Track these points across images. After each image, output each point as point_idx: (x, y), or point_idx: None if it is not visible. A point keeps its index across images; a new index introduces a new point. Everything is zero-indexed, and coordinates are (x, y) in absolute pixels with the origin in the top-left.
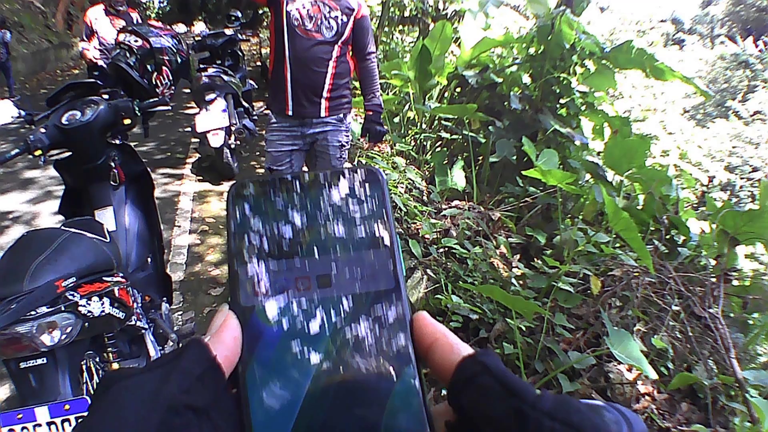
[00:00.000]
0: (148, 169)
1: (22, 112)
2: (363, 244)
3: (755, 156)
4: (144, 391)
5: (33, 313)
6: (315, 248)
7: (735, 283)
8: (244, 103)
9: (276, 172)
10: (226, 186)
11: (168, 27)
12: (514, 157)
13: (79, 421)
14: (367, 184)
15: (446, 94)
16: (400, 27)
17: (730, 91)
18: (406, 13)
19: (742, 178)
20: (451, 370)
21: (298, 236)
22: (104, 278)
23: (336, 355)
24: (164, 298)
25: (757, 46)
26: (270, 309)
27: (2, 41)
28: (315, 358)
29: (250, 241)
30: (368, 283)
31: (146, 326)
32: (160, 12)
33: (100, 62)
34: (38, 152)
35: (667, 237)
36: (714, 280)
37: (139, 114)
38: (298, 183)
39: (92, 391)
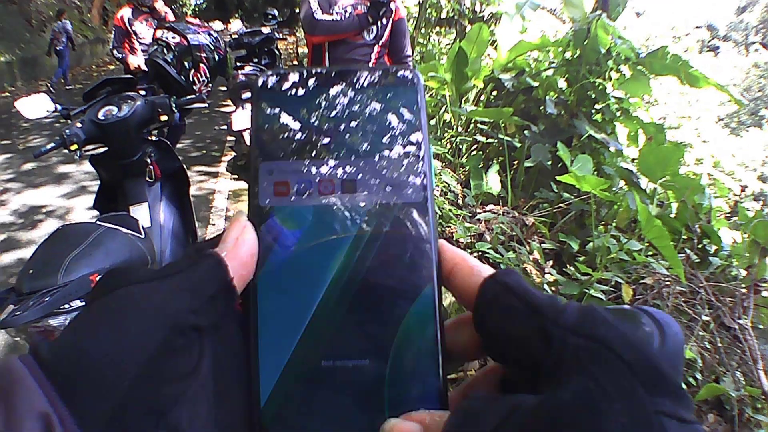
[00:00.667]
0: (184, 166)
1: (58, 107)
2: (393, 151)
3: None
4: (149, 303)
5: (66, 306)
6: (342, 150)
7: (765, 294)
8: None
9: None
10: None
11: (205, 24)
12: (549, 162)
13: (77, 316)
14: (403, 87)
15: (482, 97)
16: (437, 29)
17: (764, 100)
18: (443, 15)
19: None
20: (474, 294)
21: (324, 136)
22: None
23: (354, 267)
24: None
25: None
26: (288, 212)
27: (63, 29)
28: (331, 268)
29: (273, 137)
30: (395, 194)
31: None
32: (197, 9)
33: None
34: (74, 147)
35: (699, 246)
36: (744, 290)
37: (175, 111)
38: (329, 78)
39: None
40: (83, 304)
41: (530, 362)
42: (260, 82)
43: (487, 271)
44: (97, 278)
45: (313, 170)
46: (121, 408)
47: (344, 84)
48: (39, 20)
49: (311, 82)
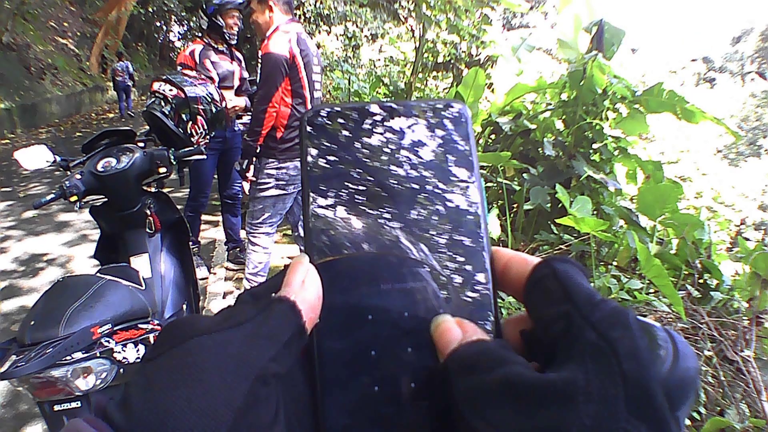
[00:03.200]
0: (184, 217)
1: (58, 158)
2: (447, 187)
3: None
4: (228, 355)
5: (69, 358)
6: (396, 191)
7: None
8: None
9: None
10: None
11: (203, 76)
12: (549, 205)
13: (144, 370)
14: (450, 119)
15: (481, 141)
16: (434, 73)
17: (762, 129)
18: (440, 59)
19: None
20: (525, 280)
21: (378, 177)
22: (140, 325)
23: (413, 309)
24: None
25: None
26: (348, 258)
27: (126, 70)
28: (391, 312)
29: (328, 179)
30: (451, 234)
31: None
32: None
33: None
34: (74, 198)
35: (700, 281)
36: (746, 323)
37: (174, 163)
38: (372, 113)
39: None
40: (85, 355)
41: (551, 343)
42: (307, 119)
43: (538, 260)
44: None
45: (369, 211)
46: None
47: (393, 119)
48: (38, 68)
49: (359, 117)
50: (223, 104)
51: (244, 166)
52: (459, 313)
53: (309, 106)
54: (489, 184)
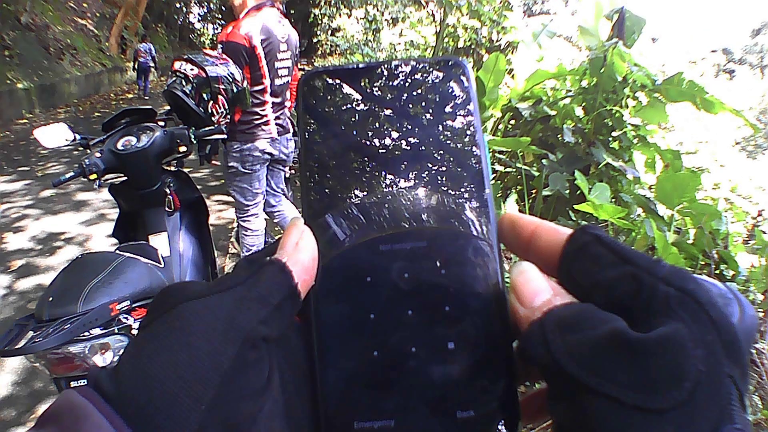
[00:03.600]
0: (203, 196)
1: (77, 136)
2: (448, 146)
3: None
4: (217, 318)
5: (87, 334)
6: (394, 151)
7: None
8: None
9: (350, 62)
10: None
11: (224, 56)
12: (567, 191)
13: (136, 338)
14: (450, 77)
15: (500, 126)
16: None
17: None
18: (460, 44)
19: None
20: (559, 249)
21: (376, 136)
22: None
23: (413, 270)
24: None
25: None
26: (344, 215)
27: (149, 51)
28: (389, 271)
29: (323, 138)
30: (453, 192)
31: None
32: (214, 39)
33: None
34: (93, 176)
35: (717, 271)
36: (762, 314)
37: (194, 142)
38: (374, 74)
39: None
40: (103, 332)
41: (617, 307)
42: (304, 81)
43: (569, 230)
44: (134, 306)
45: (367, 171)
46: None
47: (391, 79)
48: (57, 48)
49: (356, 77)
50: (244, 84)
51: (207, 151)
52: (462, 270)
53: (268, 92)
54: (508, 170)
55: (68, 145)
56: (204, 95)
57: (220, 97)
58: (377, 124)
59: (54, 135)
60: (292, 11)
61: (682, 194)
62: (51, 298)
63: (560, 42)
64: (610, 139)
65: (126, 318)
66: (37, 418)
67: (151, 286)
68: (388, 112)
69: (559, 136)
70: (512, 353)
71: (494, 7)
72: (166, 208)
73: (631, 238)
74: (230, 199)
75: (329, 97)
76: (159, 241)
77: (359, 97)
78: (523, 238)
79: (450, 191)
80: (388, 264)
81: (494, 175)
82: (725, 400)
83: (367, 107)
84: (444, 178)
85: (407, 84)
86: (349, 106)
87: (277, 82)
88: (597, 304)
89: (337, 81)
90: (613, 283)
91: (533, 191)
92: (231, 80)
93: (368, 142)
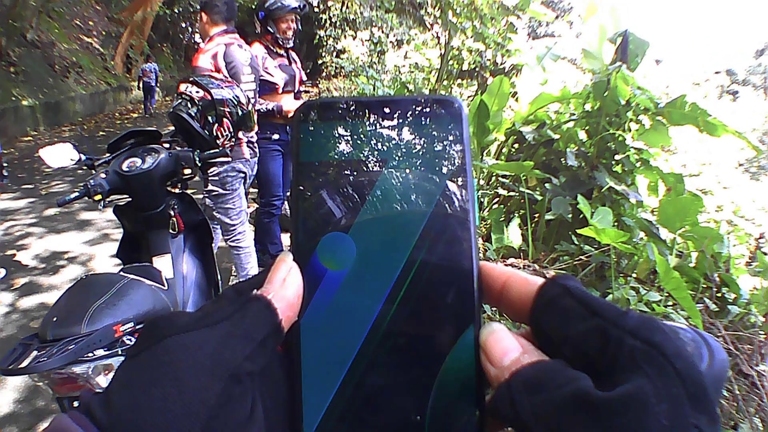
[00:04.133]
0: (207, 218)
1: (83, 156)
2: (437, 188)
3: None
4: (204, 354)
5: (90, 355)
6: (385, 188)
7: None
8: None
9: (345, 96)
10: (284, 237)
11: (229, 79)
12: (570, 215)
13: (126, 368)
14: (444, 116)
15: (504, 150)
16: (459, 81)
17: None
18: (465, 67)
19: None
20: (530, 301)
21: (366, 169)
22: None
23: (396, 310)
24: None
25: None
26: (332, 253)
27: (154, 71)
28: (373, 310)
29: (315, 172)
30: (437, 233)
31: None
32: None
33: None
34: (98, 197)
35: (718, 295)
36: (762, 337)
37: (199, 164)
38: (367, 108)
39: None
40: (107, 353)
41: (584, 361)
42: (300, 111)
43: (540, 280)
44: (138, 328)
45: (357, 209)
46: None
47: (386, 115)
48: (62, 66)
49: (351, 111)
50: (249, 107)
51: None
52: (442, 318)
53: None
54: (511, 194)
55: (73, 166)
56: (209, 118)
57: (225, 120)
58: (369, 159)
59: (59, 155)
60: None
61: (684, 218)
62: (55, 318)
63: (565, 65)
64: (613, 162)
65: (129, 339)
66: None
67: (154, 308)
68: (381, 146)
69: (562, 159)
70: (484, 405)
71: (499, 29)
72: (170, 230)
73: (633, 262)
74: None
75: (325, 129)
76: (163, 263)
77: (353, 131)
78: (495, 290)
79: (436, 233)
80: (371, 304)
81: (497, 199)
82: None
83: (360, 142)
84: (432, 220)
85: (401, 120)
86: (342, 139)
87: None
88: (567, 358)
89: (333, 113)
90: (581, 337)
91: (536, 215)
92: (236, 103)
93: (360, 179)
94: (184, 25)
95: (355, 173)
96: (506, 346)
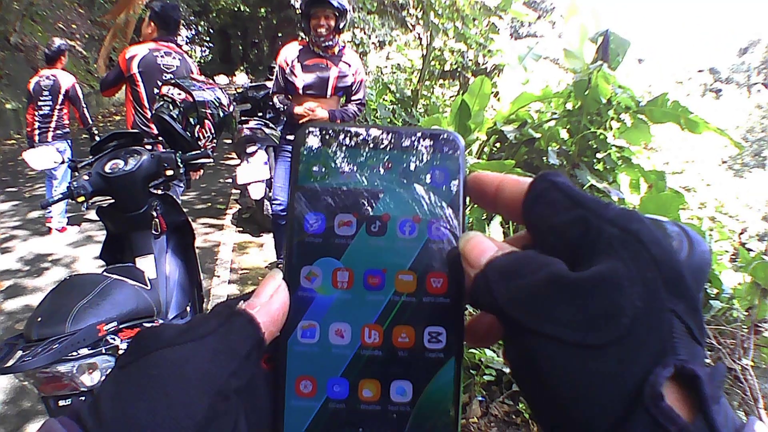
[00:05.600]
0: (189, 219)
1: (66, 159)
2: (431, 218)
3: None
4: (191, 369)
5: (74, 354)
6: (379, 215)
7: (767, 334)
8: None
9: (345, 123)
10: (265, 238)
11: (210, 81)
12: None
13: (115, 379)
14: (442, 150)
15: (486, 149)
16: (441, 81)
17: (766, 140)
18: (447, 68)
19: None
20: (521, 198)
21: (361, 197)
22: (145, 324)
23: (382, 337)
24: None
25: None
26: (322, 278)
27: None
28: (358, 337)
29: (313, 198)
30: (427, 267)
31: None
32: (202, 61)
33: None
34: (81, 198)
35: None
36: (745, 331)
37: (181, 166)
38: (367, 137)
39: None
40: (91, 352)
41: (568, 249)
42: (301, 133)
43: (530, 180)
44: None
45: (351, 236)
46: None
47: (383, 144)
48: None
49: (352, 138)
50: (231, 109)
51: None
52: (425, 348)
53: (146, 113)
54: None
55: (57, 168)
56: (191, 120)
57: (206, 121)
58: (366, 187)
59: (43, 157)
60: (280, 34)
61: (666, 214)
62: (40, 318)
63: (547, 64)
64: (595, 161)
65: (113, 339)
66: None
67: (137, 308)
68: (378, 175)
69: (544, 158)
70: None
71: (481, 30)
72: (153, 231)
73: None
74: (217, 221)
75: (324, 156)
76: (145, 264)
77: (352, 158)
78: (489, 194)
79: (426, 264)
80: (357, 329)
81: None
82: (666, 334)
83: (358, 169)
84: (424, 253)
85: (400, 150)
86: (341, 165)
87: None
88: (553, 247)
89: (334, 139)
90: (565, 226)
91: None
92: (217, 105)
93: (357, 206)
94: None
95: (351, 200)
96: (483, 247)
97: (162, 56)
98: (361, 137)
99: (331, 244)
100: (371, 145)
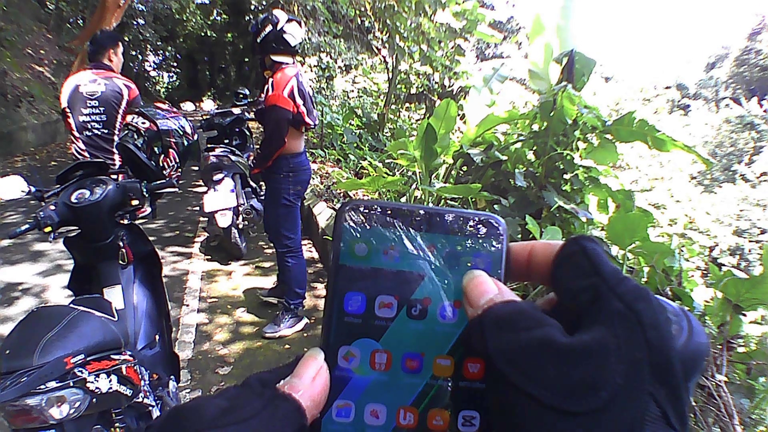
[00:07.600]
0: (156, 248)
1: (32, 188)
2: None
3: (763, 218)
4: None
5: (43, 387)
6: (421, 298)
7: (741, 349)
8: (252, 183)
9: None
10: (234, 266)
11: (174, 110)
12: (519, 236)
13: None
14: (486, 235)
15: (452, 173)
16: (407, 104)
17: (736, 155)
18: (413, 91)
19: (750, 242)
20: (551, 260)
21: (403, 279)
22: (112, 356)
23: (418, 417)
24: (172, 376)
25: (761, 107)
26: (360, 359)
27: None
28: (394, 416)
29: (354, 276)
30: (461, 352)
31: (154, 403)
32: (170, 87)
33: None
34: (48, 229)
35: None
36: (718, 348)
37: (146, 195)
38: (411, 218)
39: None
40: (59, 385)
41: (575, 312)
42: (344, 209)
43: (561, 242)
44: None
45: (392, 318)
46: None
47: (429, 226)
48: (14, 95)
49: (396, 218)
50: (195, 137)
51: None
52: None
53: (78, 143)
54: None
55: (24, 197)
56: (155, 149)
57: (171, 150)
58: (408, 269)
59: (10, 187)
60: (246, 59)
61: (634, 234)
62: (8, 351)
63: (513, 85)
64: (562, 182)
65: (81, 371)
66: None
67: (104, 340)
68: (421, 257)
69: (511, 180)
70: None
71: (446, 52)
72: (120, 261)
73: None
74: (185, 249)
75: (366, 234)
76: (113, 294)
77: (396, 239)
78: (522, 261)
79: (465, 350)
80: (392, 410)
81: None
82: (638, 415)
83: (401, 250)
84: (462, 337)
85: (444, 233)
86: (384, 246)
87: (86, 133)
88: (566, 308)
89: (377, 218)
90: (579, 291)
91: None
92: (182, 134)
93: (397, 286)
94: (133, 53)
95: (393, 282)
96: (485, 289)
97: (86, 85)
98: (404, 218)
99: (371, 326)
100: (414, 227)
